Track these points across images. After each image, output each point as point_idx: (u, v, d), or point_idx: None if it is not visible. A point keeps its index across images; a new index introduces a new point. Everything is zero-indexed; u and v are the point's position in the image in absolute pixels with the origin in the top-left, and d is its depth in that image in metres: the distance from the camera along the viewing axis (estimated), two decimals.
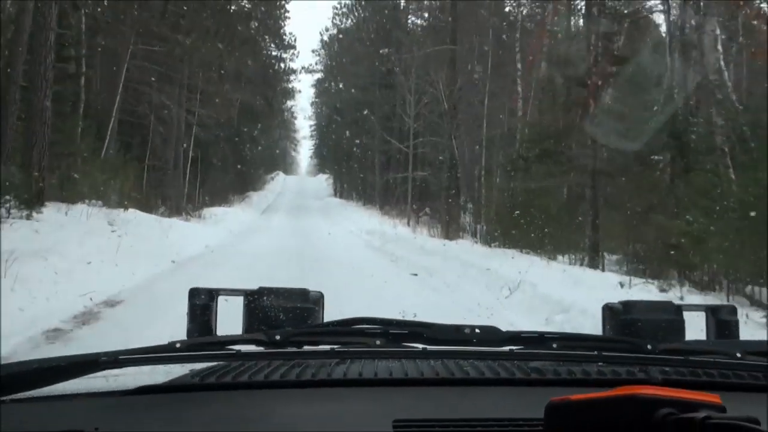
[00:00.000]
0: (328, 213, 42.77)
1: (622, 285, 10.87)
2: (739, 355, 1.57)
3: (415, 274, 14.45)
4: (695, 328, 1.94)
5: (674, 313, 1.86)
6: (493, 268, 13.31)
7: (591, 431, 0.89)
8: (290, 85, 55.83)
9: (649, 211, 15.19)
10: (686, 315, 1.88)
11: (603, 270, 14.83)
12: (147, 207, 26.26)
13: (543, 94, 22.54)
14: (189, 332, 1.69)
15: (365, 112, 45.48)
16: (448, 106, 30.93)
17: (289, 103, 71.84)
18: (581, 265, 15.74)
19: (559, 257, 17.31)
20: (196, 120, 34.28)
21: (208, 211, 33.27)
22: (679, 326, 1.84)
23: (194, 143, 34.87)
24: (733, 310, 1.91)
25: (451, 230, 26.23)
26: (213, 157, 38.04)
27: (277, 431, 1.20)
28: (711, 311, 1.89)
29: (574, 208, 18.22)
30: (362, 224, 33.03)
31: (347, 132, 49.63)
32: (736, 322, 1.88)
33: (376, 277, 13.32)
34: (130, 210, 19.08)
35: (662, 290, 10.72)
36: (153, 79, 28.93)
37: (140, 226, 17.31)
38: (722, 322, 1.87)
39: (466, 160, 26.88)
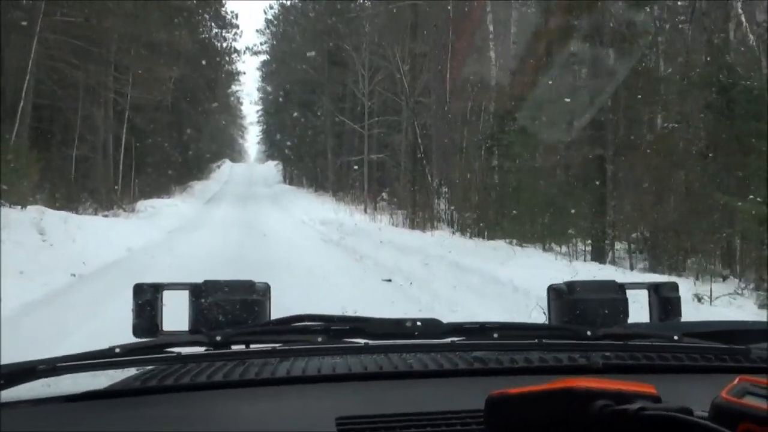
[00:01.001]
0: (277, 201, 39.01)
1: (699, 299, 7.47)
2: (676, 338, 1.55)
3: (389, 280, 11.10)
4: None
5: (618, 291, 1.83)
6: (496, 271, 9.90)
7: (530, 425, 0.88)
8: (234, 67, 51.70)
9: (674, 192, 11.91)
10: (629, 293, 1.82)
11: (634, 269, 11.52)
12: (69, 202, 22.51)
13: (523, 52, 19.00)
14: (134, 328, 1.65)
15: (315, 92, 41.81)
16: (406, 78, 27.52)
17: (234, 87, 67.91)
18: (600, 261, 12.43)
19: (555, 247, 14.05)
20: (128, 103, 30.29)
21: (143, 204, 29.53)
22: (623, 305, 1.81)
23: (128, 129, 30.88)
24: (675, 287, 1.89)
25: (417, 218, 22.82)
26: (150, 144, 33.97)
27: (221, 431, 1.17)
28: (654, 289, 1.88)
29: (573, 190, 14.94)
30: (315, 213, 29.45)
31: (296, 115, 45.70)
32: (678, 299, 1.87)
33: (338, 287, 10.01)
34: (32, 208, 15.24)
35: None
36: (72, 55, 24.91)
37: (37, 229, 13.51)
38: (664, 299, 1.86)
39: (434, 139, 23.21)
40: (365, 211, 31.90)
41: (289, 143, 47.93)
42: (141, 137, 32.46)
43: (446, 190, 18.21)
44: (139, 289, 1.68)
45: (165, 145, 36.98)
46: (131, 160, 31.63)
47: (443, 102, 23.64)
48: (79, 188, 24.57)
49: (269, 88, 60.06)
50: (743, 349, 1.54)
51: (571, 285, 1.84)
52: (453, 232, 17.09)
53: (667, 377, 1.41)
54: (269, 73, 59.37)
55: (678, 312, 1.87)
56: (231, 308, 1.67)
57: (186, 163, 43.45)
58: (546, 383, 0.89)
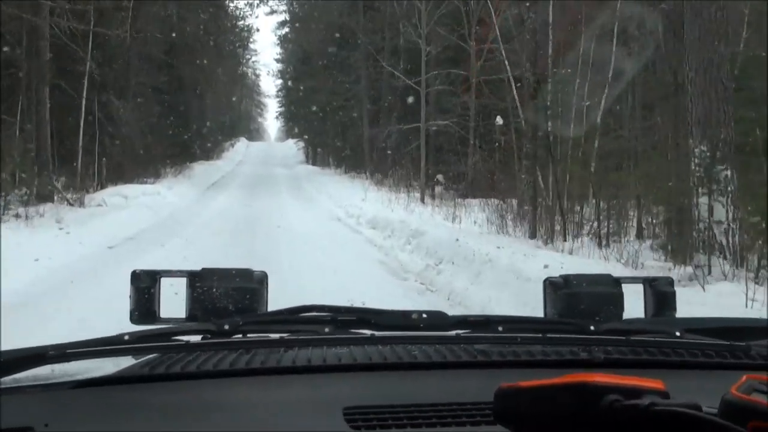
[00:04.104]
0: (300, 187, 29.03)
1: None
2: (678, 333, 1.52)
3: None
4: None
5: (613, 285, 1.78)
6: None
7: (540, 418, 0.88)
8: (245, 23, 41.56)
9: None
10: (625, 287, 1.78)
11: None
12: None
13: None
14: (132, 314, 1.62)
15: (345, 46, 31.69)
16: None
17: (249, 55, 58.07)
18: None
19: None
20: (90, 49, 20.45)
21: (107, 193, 19.75)
22: (618, 298, 1.77)
23: (89, 88, 21.03)
24: (671, 282, 1.85)
25: (539, 223, 12.86)
26: (124, 110, 24.00)
27: (226, 420, 1.16)
28: (649, 283, 1.82)
29: None
30: (355, 205, 19.51)
31: (321, 77, 35.50)
32: (673, 294, 1.83)
33: None
34: None
35: None
36: None
37: None
38: (660, 293, 1.81)
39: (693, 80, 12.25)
40: (422, 200, 21.97)
41: (313, 110, 37.63)
42: (109, 99, 22.59)
43: (727, 174, 7.97)
44: (136, 276, 1.63)
45: (148, 111, 27.04)
46: (95, 131, 21.70)
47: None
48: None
49: (287, 49, 49.80)
50: (743, 346, 1.48)
51: (567, 278, 1.76)
52: (756, 282, 7.02)
53: (668, 373, 1.36)
54: (288, 34, 49.18)
55: (673, 306, 1.80)
56: (228, 296, 1.62)
57: (182, 138, 33.40)
58: (549, 376, 0.88)
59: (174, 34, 30.75)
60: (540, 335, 1.51)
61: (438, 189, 25.56)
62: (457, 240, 10.03)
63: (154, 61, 28.71)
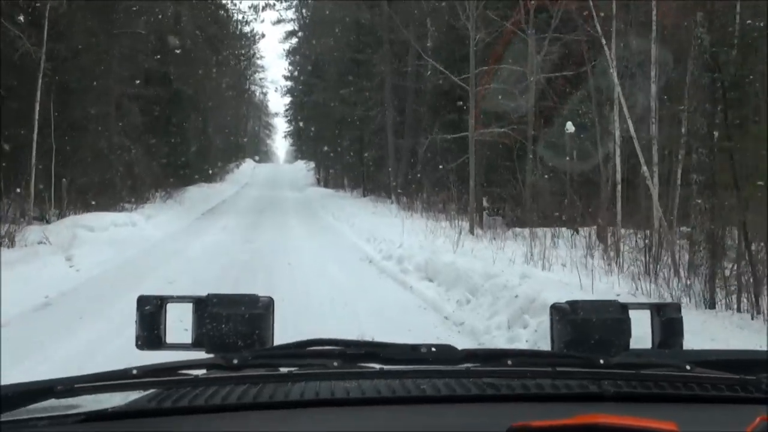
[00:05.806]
0: (312, 213, 23.81)
1: None
2: (688, 367, 1.43)
3: None
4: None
5: (620, 311, 1.66)
6: None
7: None
8: (250, 28, 36.66)
9: None
10: (632, 313, 1.63)
11: None
12: None
13: None
14: (138, 339, 1.54)
15: (363, 50, 26.57)
16: None
17: (256, 70, 53.38)
18: None
19: None
20: (45, 40, 15.53)
21: (67, 224, 14.94)
22: (626, 325, 1.65)
23: (44, 89, 16.06)
24: (678, 309, 1.73)
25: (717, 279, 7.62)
26: (94, 121, 18.93)
27: None
28: (656, 310, 1.72)
29: None
30: (388, 239, 14.23)
31: (335, 89, 30.33)
32: (681, 320, 1.71)
33: None
34: None
35: None
36: None
37: None
38: (667, 320, 1.70)
39: None
40: (471, 231, 16.74)
41: (326, 126, 32.48)
42: (67, 100, 17.51)
43: None
44: (143, 301, 1.54)
45: (131, 125, 21.99)
46: (51, 145, 16.59)
47: None
48: None
49: (296, 62, 44.83)
50: (754, 380, 1.40)
51: (573, 304, 1.65)
52: None
53: (679, 407, 1.32)
54: (298, 45, 44.24)
55: (680, 333, 1.69)
56: (234, 322, 1.53)
57: (177, 158, 28.30)
58: (559, 411, 0.85)
59: (167, 36, 26.04)
60: (550, 369, 1.45)
61: (484, 216, 20.42)
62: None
63: (147, 69, 23.89)
